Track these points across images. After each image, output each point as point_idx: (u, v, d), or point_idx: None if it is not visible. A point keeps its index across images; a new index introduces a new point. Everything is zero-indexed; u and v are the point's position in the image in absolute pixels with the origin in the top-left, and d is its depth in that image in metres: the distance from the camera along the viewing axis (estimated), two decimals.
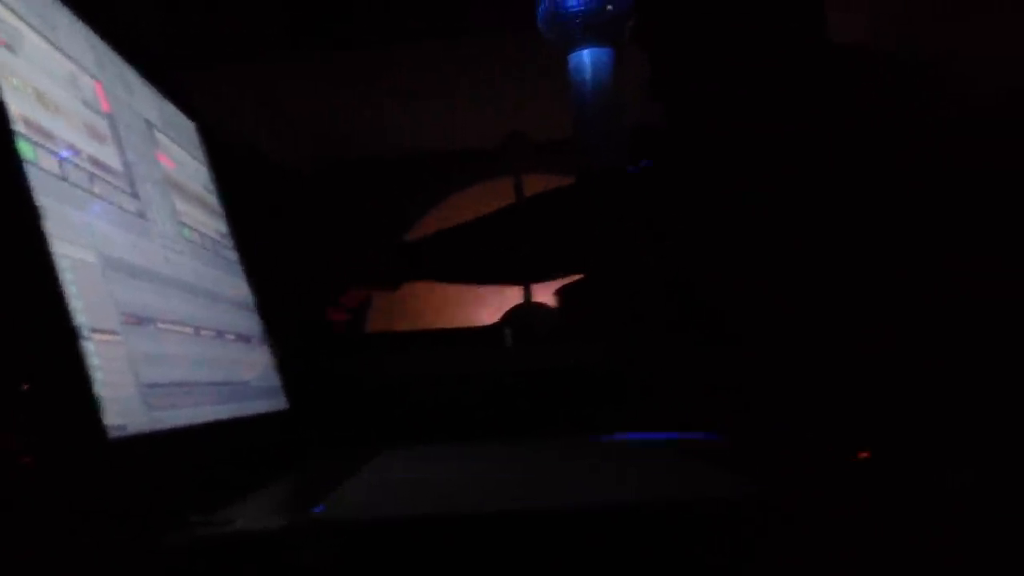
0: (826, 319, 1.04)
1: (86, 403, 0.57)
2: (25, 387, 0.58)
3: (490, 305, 2.87)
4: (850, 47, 1.07)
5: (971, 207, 1.00)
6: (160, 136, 0.90)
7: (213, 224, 1.00)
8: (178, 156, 0.95)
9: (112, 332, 0.63)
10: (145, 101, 0.89)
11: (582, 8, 2.58)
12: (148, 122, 0.88)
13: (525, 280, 1.60)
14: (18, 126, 0.59)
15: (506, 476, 0.81)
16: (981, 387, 0.92)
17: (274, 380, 1.02)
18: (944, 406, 0.93)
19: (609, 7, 2.56)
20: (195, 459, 0.74)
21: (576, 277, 1.59)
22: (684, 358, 1.22)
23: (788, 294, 1.07)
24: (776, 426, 1.03)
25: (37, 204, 0.58)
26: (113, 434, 0.58)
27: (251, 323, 1.02)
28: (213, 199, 1.04)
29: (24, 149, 0.59)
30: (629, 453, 0.94)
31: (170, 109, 0.97)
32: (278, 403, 1.01)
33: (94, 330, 0.60)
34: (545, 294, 2.62)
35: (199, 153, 1.05)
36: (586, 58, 2.72)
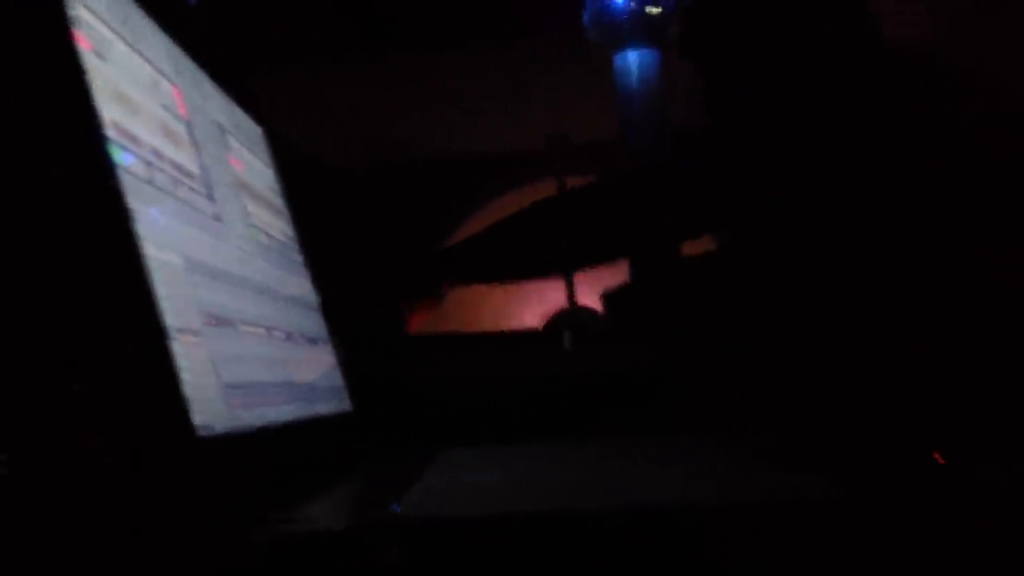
0: (869, 319, 1.03)
1: (176, 403, 0.59)
2: (115, 388, 0.60)
3: (532, 310, 2.88)
4: (902, 46, 1.06)
5: (1004, 206, 0.99)
6: (231, 140, 0.92)
7: (280, 226, 1.02)
8: (247, 159, 0.96)
9: (195, 332, 0.65)
10: (217, 106, 0.91)
11: (628, 9, 2.59)
12: (220, 126, 0.89)
13: (563, 271, 1.60)
14: (109, 131, 0.61)
15: (571, 476, 0.82)
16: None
17: (339, 381, 1.04)
18: (990, 405, 0.92)
19: (655, 8, 2.56)
20: (269, 458, 0.76)
21: (620, 279, 1.59)
22: (732, 359, 1.22)
23: (833, 296, 1.07)
24: (826, 427, 1.02)
25: (128, 207, 0.60)
26: (201, 433, 0.60)
27: (317, 324, 1.03)
28: (279, 201, 1.06)
29: (115, 153, 0.60)
30: (692, 454, 0.94)
31: (239, 114, 0.99)
32: (343, 404, 1.02)
33: (179, 331, 0.62)
34: (589, 297, 2.63)
35: (265, 156, 1.06)
36: (632, 59, 2.72)
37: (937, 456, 0.76)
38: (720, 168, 1.17)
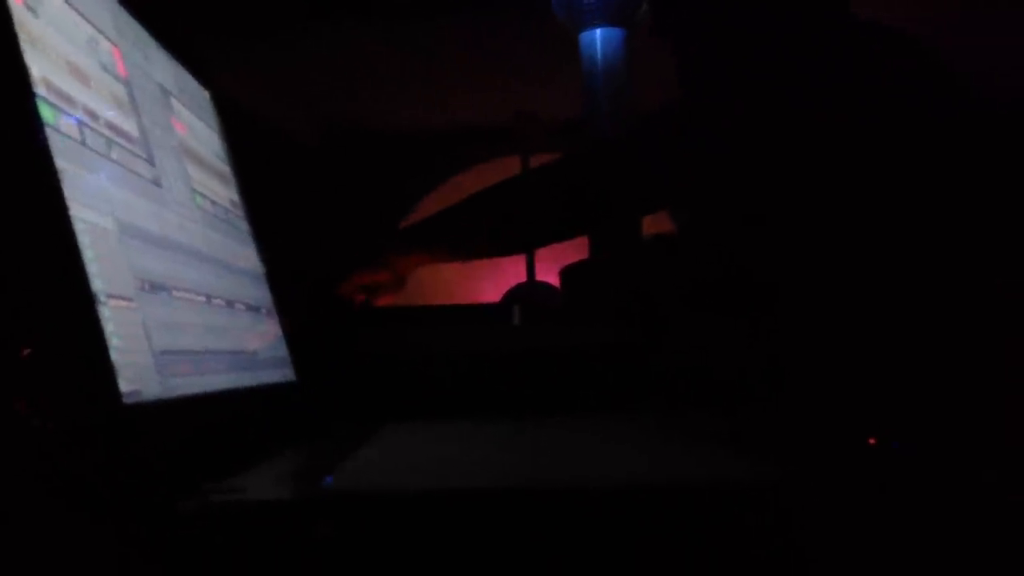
0: (827, 303, 1.04)
1: (101, 368, 0.57)
2: (40, 351, 0.59)
3: (489, 282, 2.87)
4: (874, 26, 1.06)
5: (996, 198, 1.00)
6: (175, 103, 0.90)
7: (225, 193, 1.00)
8: (192, 124, 0.95)
9: (127, 298, 0.63)
10: (161, 68, 0.89)
11: None
12: (164, 89, 0.87)
13: (525, 249, 1.59)
14: (39, 88, 0.59)
15: (511, 454, 0.82)
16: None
17: (282, 352, 1.03)
18: (966, 397, 0.93)
19: None
20: (205, 427, 0.75)
21: (576, 254, 1.58)
22: (692, 337, 1.23)
23: (801, 276, 1.07)
24: (781, 410, 1.03)
25: (56, 167, 0.58)
26: (127, 400, 0.58)
27: (261, 294, 1.02)
28: (226, 168, 1.04)
29: (44, 112, 0.59)
30: (635, 434, 0.94)
31: (185, 76, 0.97)
32: (286, 375, 1.01)
33: (110, 296, 0.60)
34: (546, 273, 2.63)
35: (213, 122, 1.05)
36: (597, 38, 2.71)
37: (872, 441, 0.76)
38: (682, 143, 1.16)
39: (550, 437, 0.92)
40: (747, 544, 0.59)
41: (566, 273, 1.74)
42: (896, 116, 0.99)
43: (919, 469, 0.66)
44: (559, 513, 0.60)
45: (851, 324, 1.00)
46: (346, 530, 0.59)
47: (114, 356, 0.58)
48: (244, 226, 1.04)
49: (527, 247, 1.50)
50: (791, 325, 1.07)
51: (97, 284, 0.59)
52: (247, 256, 1.02)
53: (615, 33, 2.52)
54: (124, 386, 0.58)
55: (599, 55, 2.54)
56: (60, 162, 0.59)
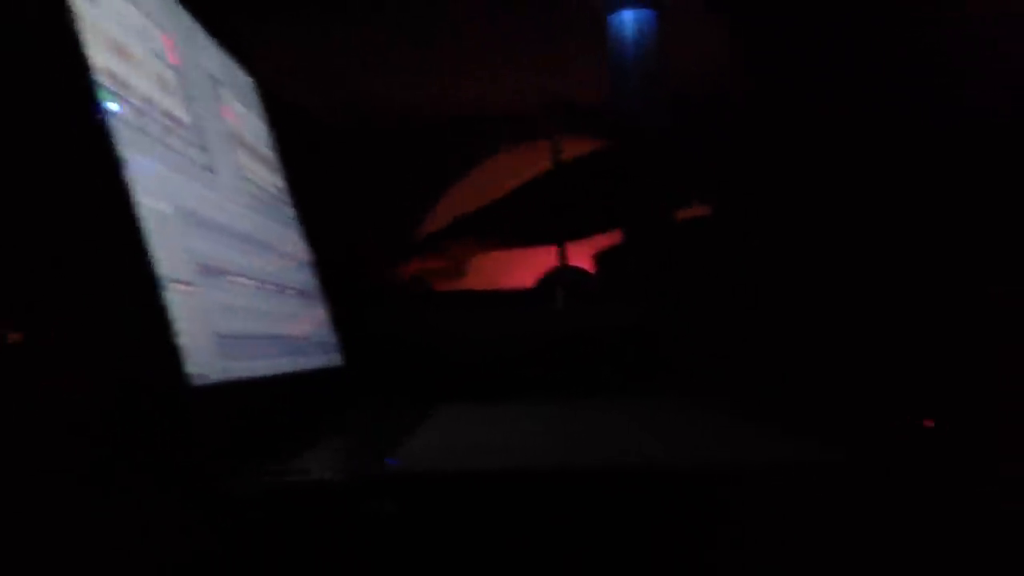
0: (863, 289, 1.03)
1: (168, 352, 0.58)
2: (108, 335, 0.59)
3: (524, 268, 2.88)
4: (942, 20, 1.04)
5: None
6: (224, 91, 0.91)
7: (272, 179, 1.01)
8: (240, 111, 0.95)
9: (189, 283, 0.64)
10: (210, 57, 0.90)
11: None
12: (213, 77, 0.88)
13: (572, 239, 1.61)
14: (100, 77, 0.60)
15: (567, 434, 0.82)
16: None
17: (330, 336, 1.03)
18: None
19: None
20: (261, 409, 0.76)
21: (611, 239, 1.59)
22: (724, 321, 1.22)
23: (829, 264, 1.07)
24: (818, 392, 1.03)
25: (119, 154, 0.59)
26: (195, 382, 0.59)
27: (308, 279, 1.03)
28: (271, 154, 1.05)
29: (106, 99, 0.59)
30: (683, 415, 0.95)
31: (231, 65, 0.98)
32: (334, 358, 1.02)
33: (173, 280, 0.61)
34: (581, 257, 2.63)
35: (258, 109, 1.05)
36: (627, 20, 2.69)
37: (928, 423, 0.76)
38: (738, 135, 1.16)
39: (602, 417, 0.92)
40: (818, 523, 0.59)
41: (601, 257, 1.74)
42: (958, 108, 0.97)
43: (971, 451, 0.66)
44: (624, 492, 0.60)
45: (888, 310, 1.00)
46: (409, 509, 0.60)
47: (181, 340, 0.59)
48: (289, 211, 1.05)
49: (576, 237, 1.52)
50: (830, 308, 1.06)
51: (162, 268, 0.60)
52: (294, 241, 1.03)
53: (646, 15, 2.51)
54: (191, 368, 0.59)
55: (629, 37, 2.52)
56: (123, 150, 0.59)
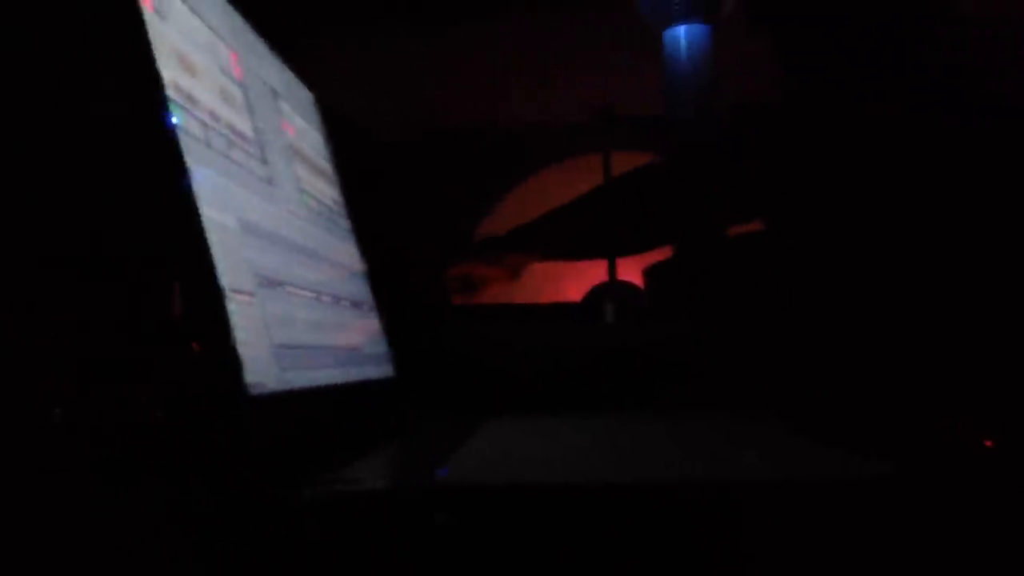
0: (911, 302, 1.02)
1: (229, 361, 0.59)
2: (171, 345, 0.61)
3: (571, 281, 2.88)
4: (985, 23, 1.03)
5: None
6: (284, 105, 0.92)
7: (329, 192, 1.03)
8: (299, 124, 0.97)
9: (249, 293, 0.65)
10: (271, 70, 0.91)
11: None
12: (274, 91, 0.90)
13: (626, 253, 1.62)
14: (169, 91, 0.61)
15: (614, 448, 0.82)
16: None
17: (383, 348, 1.04)
18: None
19: None
20: (317, 420, 0.77)
21: (661, 254, 1.59)
22: (772, 337, 1.22)
23: (875, 278, 1.06)
24: (867, 407, 1.02)
25: (186, 167, 0.60)
26: (253, 391, 0.60)
27: (363, 290, 1.04)
28: (328, 167, 1.06)
29: (175, 113, 0.61)
30: (736, 429, 0.94)
31: (291, 79, 0.99)
32: (387, 370, 1.03)
33: (234, 291, 0.62)
34: (629, 271, 2.63)
35: (315, 123, 1.07)
36: (682, 35, 2.69)
37: (988, 443, 0.75)
38: (775, 149, 1.15)
39: (649, 432, 0.92)
40: (866, 539, 0.58)
41: (650, 272, 1.74)
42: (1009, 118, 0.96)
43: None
44: (672, 507, 0.60)
45: (956, 317, 0.99)
46: (462, 521, 0.61)
47: (240, 349, 0.60)
48: (345, 224, 1.07)
49: (631, 252, 1.53)
50: (886, 316, 1.05)
51: (224, 279, 0.61)
52: (350, 253, 1.04)
53: (700, 30, 2.50)
54: (249, 378, 0.60)
55: (684, 53, 2.52)
56: (189, 162, 0.61)
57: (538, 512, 0.60)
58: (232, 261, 0.64)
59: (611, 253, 1.68)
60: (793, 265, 1.22)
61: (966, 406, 0.92)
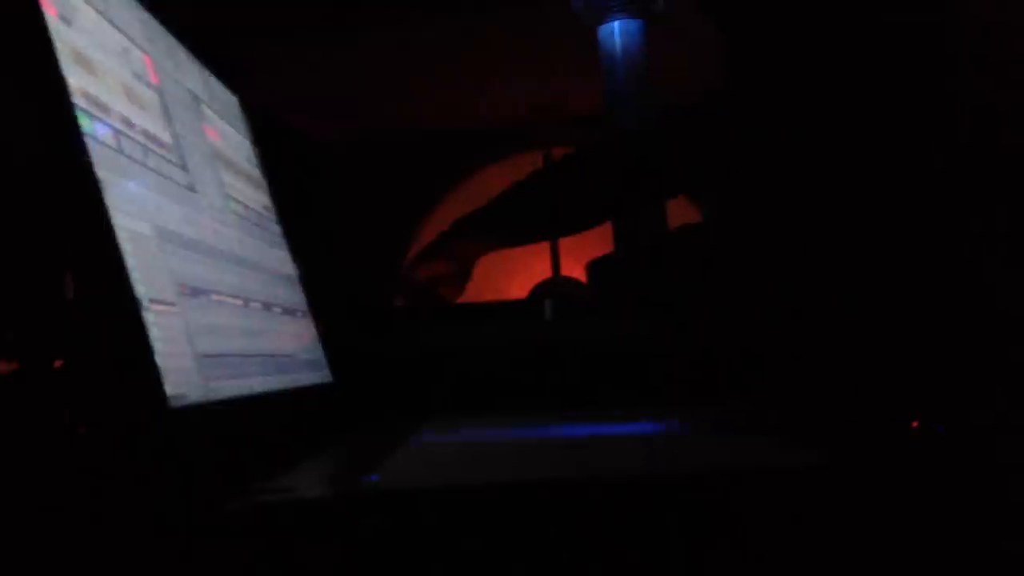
0: (854, 294, 1.03)
1: (147, 373, 0.58)
2: (86, 358, 0.59)
3: (514, 277, 2.88)
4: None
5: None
6: (206, 110, 0.91)
7: (257, 197, 1.01)
8: (223, 130, 0.95)
9: (169, 303, 0.64)
10: (191, 75, 0.90)
11: None
12: (195, 95, 0.88)
13: (573, 231, 1.61)
14: (77, 99, 0.60)
15: (553, 448, 0.82)
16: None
17: (318, 353, 1.03)
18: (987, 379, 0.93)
19: None
20: (247, 430, 0.75)
21: (603, 249, 1.59)
22: (715, 332, 1.22)
23: (819, 269, 1.07)
24: (810, 398, 1.03)
25: (97, 176, 0.59)
26: (174, 403, 0.59)
27: (296, 296, 1.03)
28: (256, 172, 1.05)
29: (83, 121, 0.59)
30: (675, 425, 0.94)
31: (214, 83, 0.98)
32: (323, 376, 1.02)
33: (152, 301, 0.61)
34: (571, 268, 2.63)
35: (241, 127, 1.05)
36: (616, 31, 2.70)
37: (915, 425, 0.76)
38: (729, 138, 1.16)
39: (592, 429, 0.92)
40: (795, 529, 0.58)
41: (592, 267, 1.74)
42: (953, 109, 0.97)
43: (959, 452, 0.65)
44: (603, 504, 0.60)
45: (885, 306, 1.00)
46: (393, 527, 0.60)
47: (159, 360, 0.59)
48: (277, 229, 1.05)
49: (576, 229, 1.53)
50: (819, 311, 1.06)
51: (140, 289, 0.59)
52: (281, 259, 1.02)
53: (634, 25, 2.51)
54: (170, 390, 0.59)
55: (619, 48, 2.53)
56: (100, 171, 0.59)
57: (470, 514, 0.59)
58: (150, 270, 0.62)
59: (553, 234, 1.67)
60: (732, 259, 1.22)
61: (895, 394, 0.93)
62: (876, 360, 0.97)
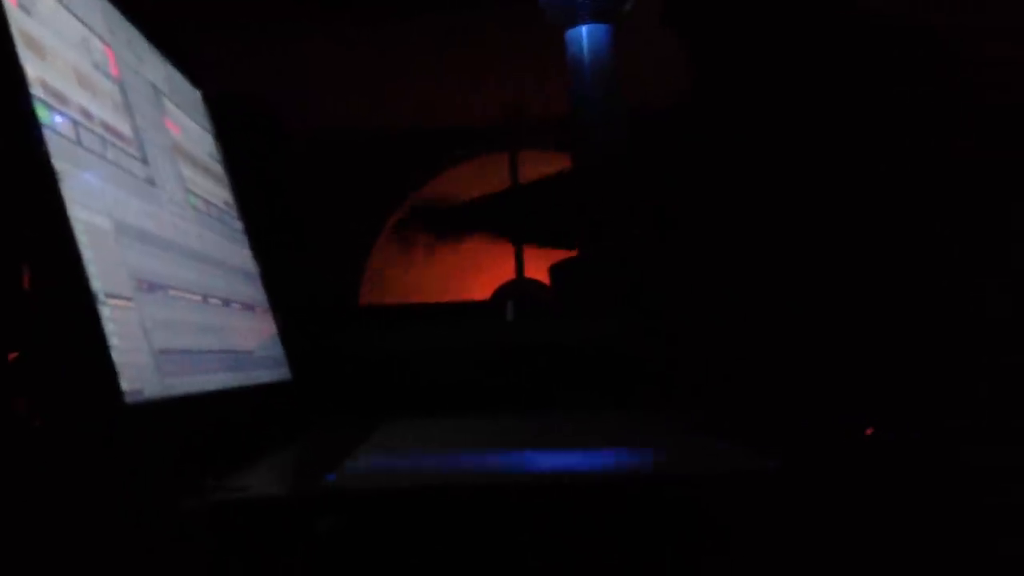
0: (812, 301, 1.04)
1: (103, 368, 0.57)
2: (41, 352, 0.59)
3: (478, 279, 2.88)
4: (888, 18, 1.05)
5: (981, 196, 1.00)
6: (167, 103, 0.90)
7: (218, 192, 1.00)
8: (184, 123, 0.94)
9: (126, 298, 0.63)
10: (153, 68, 0.89)
11: None
12: (156, 88, 0.87)
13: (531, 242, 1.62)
14: (35, 89, 0.59)
15: (511, 448, 0.82)
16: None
17: (278, 350, 1.02)
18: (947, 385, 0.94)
19: None
20: (204, 426, 0.75)
21: (567, 252, 1.60)
22: (678, 335, 1.23)
23: (784, 277, 1.08)
24: (765, 403, 1.04)
25: (54, 168, 0.58)
26: (129, 399, 0.58)
27: (256, 293, 1.02)
28: (218, 167, 1.04)
29: (40, 112, 0.59)
30: (631, 427, 0.95)
31: (177, 76, 0.97)
32: (282, 373, 1.01)
33: (109, 295, 0.60)
34: (535, 270, 2.64)
35: (204, 121, 1.04)
36: (584, 35, 2.71)
37: (869, 432, 0.77)
38: (691, 147, 1.17)
39: (548, 431, 0.92)
40: (747, 534, 0.59)
41: (555, 269, 1.75)
42: (907, 115, 0.99)
43: (914, 458, 0.66)
44: (562, 505, 0.60)
45: (842, 315, 1.01)
46: (349, 526, 0.60)
47: (115, 356, 0.58)
48: (238, 225, 1.04)
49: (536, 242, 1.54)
50: (780, 317, 1.07)
51: (96, 284, 0.59)
52: (242, 255, 1.02)
53: (602, 29, 2.52)
54: (125, 385, 0.58)
55: (586, 52, 2.54)
56: (57, 162, 0.58)
57: (424, 513, 0.59)
58: (107, 264, 0.62)
59: (518, 238, 1.67)
60: (691, 264, 1.23)
61: (849, 399, 0.94)
62: (835, 367, 0.99)
